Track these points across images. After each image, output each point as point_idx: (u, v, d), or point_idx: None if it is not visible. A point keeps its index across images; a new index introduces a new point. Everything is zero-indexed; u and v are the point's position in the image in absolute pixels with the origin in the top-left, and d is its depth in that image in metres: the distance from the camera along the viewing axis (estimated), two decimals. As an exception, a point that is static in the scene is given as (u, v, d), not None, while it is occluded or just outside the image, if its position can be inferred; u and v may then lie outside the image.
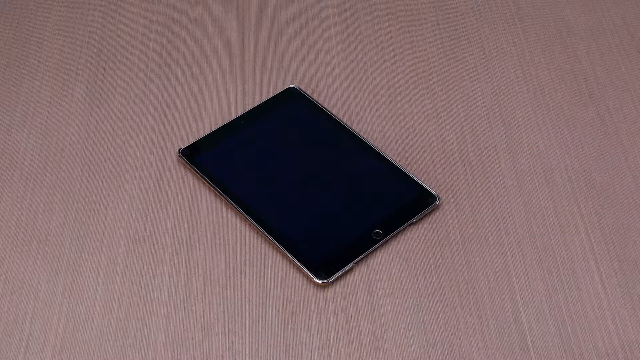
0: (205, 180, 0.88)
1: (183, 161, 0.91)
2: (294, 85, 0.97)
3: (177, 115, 0.96)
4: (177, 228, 0.86)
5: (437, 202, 0.86)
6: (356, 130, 0.93)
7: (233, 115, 0.95)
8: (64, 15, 1.07)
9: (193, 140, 0.92)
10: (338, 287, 0.81)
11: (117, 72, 1.00)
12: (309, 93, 0.97)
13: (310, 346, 0.78)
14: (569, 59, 1.00)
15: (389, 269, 0.83)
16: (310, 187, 0.87)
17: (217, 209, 0.88)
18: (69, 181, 0.90)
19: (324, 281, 0.81)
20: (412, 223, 0.85)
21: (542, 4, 1.06)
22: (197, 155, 0.91)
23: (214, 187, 0.88)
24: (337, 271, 0.81)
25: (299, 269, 0.82)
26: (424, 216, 0.86)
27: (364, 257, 0.83)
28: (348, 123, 0.94)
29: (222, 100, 0.97)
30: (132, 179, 0.90)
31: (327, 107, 0.95)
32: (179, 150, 0.91)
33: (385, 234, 0.84)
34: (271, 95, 0.97)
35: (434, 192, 0.87)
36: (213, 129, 0.94)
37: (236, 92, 0.98)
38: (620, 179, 0.89)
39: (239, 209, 0.86)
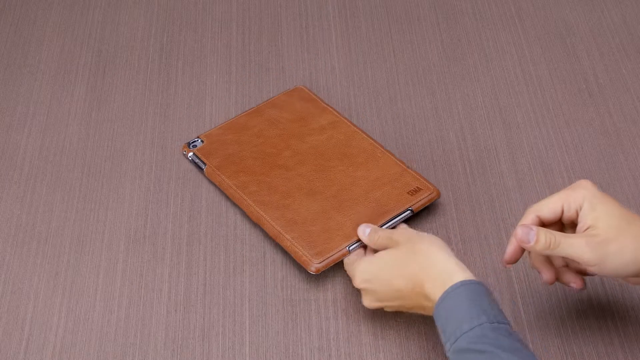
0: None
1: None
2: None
3: (177, 115, 0.96)
4: (177, 228, 0.86)
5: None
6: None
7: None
8: (64, 15, 1.07)
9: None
10: (338, 287, 0.81)
11: (117, 72, 1.00)
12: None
13: (310, 346, 0.78)
14: (569, 59, 1.00)
15: (389, 269, 0.82)
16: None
17: (217, 209, 0.88)
18: (69, 181, 0.90)
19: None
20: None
21: (542, 4, 1.06)
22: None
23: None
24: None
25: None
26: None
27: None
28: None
29: (222, 100, 0.97)
30: (132, 179, 0.90)
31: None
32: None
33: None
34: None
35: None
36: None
37: (236, 92, 0.98)
38: (620, 179, 0.89)
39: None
